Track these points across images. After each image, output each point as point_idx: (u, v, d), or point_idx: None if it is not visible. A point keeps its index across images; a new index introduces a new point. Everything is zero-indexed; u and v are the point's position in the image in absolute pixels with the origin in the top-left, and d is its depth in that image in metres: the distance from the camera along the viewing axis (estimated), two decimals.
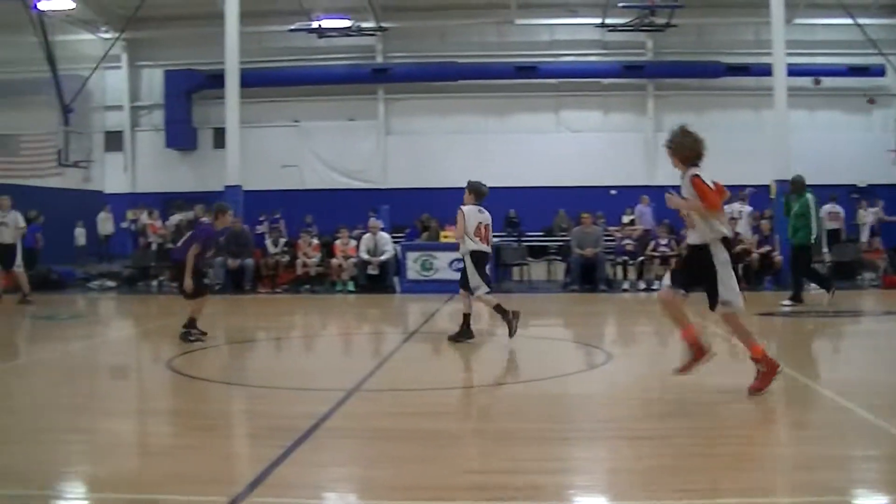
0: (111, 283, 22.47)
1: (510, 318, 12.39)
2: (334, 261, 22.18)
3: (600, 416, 7.87)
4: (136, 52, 36.37)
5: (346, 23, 31.97)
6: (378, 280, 21.73)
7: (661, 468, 6.11)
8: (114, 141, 36.47)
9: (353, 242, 22.24)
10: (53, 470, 6.47)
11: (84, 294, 21.70)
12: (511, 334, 12.31)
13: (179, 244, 13.89)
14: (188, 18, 32.61)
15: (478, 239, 12.61)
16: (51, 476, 6.30)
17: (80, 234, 30.97)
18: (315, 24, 31.65)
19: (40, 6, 28.19)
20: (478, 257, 12.66)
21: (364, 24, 32.24)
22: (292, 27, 32.10)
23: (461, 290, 12.82)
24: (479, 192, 12.93)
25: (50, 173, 32.74)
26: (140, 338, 14.70)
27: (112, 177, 36.10)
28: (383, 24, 32.59)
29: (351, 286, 21.59)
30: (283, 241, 23.09)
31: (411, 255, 21.75)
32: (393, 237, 23.46)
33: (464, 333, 12.64)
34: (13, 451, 6.94)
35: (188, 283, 12.75)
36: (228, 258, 21.24)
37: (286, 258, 22.42)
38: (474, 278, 12.58)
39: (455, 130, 33.84)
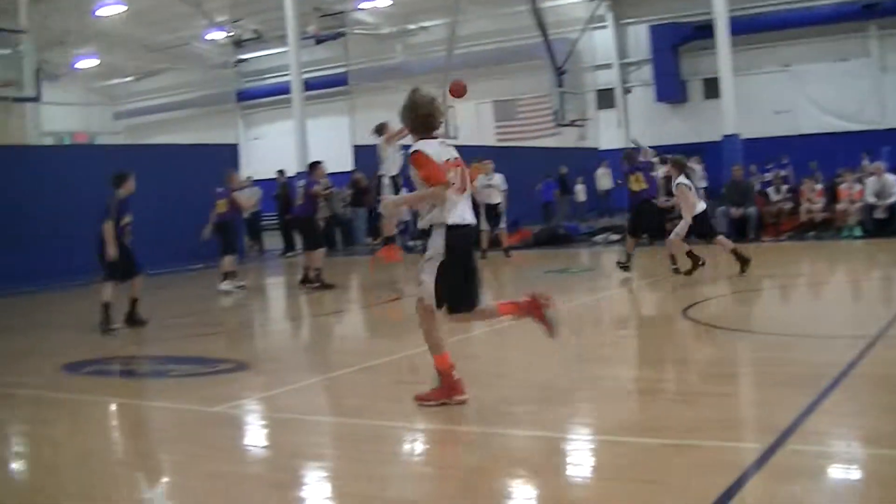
0: (615, 237, 22.98)
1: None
2: (839, 206, 21.33)
3: None
4: (621, 11, 36.95)
5: None
6: (886, 224, 20.62)
7: None
8: (605, 98, 37.39)
9: (858, 186, 21.26)
10: (568, 414, 6.90)
11: (590, 248, 22.44)
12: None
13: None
14: None
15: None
16: (563, 420, 6.72)
17: (580, 191, 32.04)
18: None
19: None
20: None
21: None
22: None
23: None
24: (681, 165, 15.03)
25: (547, 134, 34.18)
26: (649, 288, 15.01)
27: (606, 133, 37.02)
28: None
29: (857, 231, 20.66)
30: (785, 188, 22.51)
31: None
32: None
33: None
34: (527, 397, 7.41)
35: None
36: (731, 207, 21.08)
37: (789, 205, 21.86)
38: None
39: None
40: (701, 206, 14.78)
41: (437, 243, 6.84)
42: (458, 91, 7.90)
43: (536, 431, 6.37)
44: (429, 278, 6.86)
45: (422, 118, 6.98)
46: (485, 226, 20.26)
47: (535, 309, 7.18)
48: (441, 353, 7.03)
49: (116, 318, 12.48)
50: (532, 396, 7.44)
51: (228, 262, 16.88)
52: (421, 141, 6.95)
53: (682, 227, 14.75)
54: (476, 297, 7.09)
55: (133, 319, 12.68)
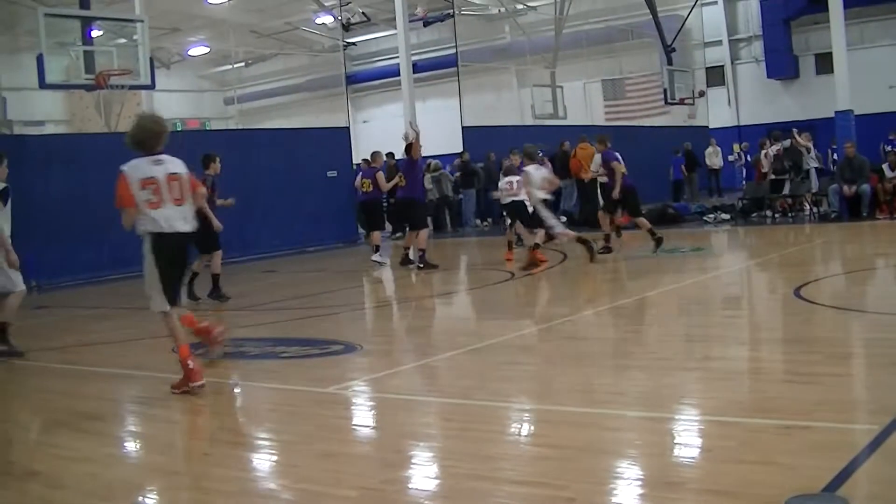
0: (725, 216, 22.65)
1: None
2: None
3: None
4: None
5: None
6: None
7: None
8: (715, 76, 36.86)
9: None
10: (677, 395, 6.83)
11: (700, 227, 22.13)
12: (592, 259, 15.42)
13: None
14: None
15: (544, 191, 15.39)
16: (672, 401, 6.66)
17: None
18: None
19: None
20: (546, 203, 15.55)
21: None
22: None
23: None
24: (531, 156, 16.02)
25: (656, 112, 33.81)
26: (761, 268, 14.81)
27: (716, 111, 36.49)
28: None
29: None
30: None
31: None
32: None
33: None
34: (635, 378, 7.44)
35: None
36: (843, 185, 20.59)
37: None
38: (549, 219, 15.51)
39: None
40: (539, 195, 15.32)
41: (145, 249, 7.76)
42: None
43: (646, 412, 6.35)
44: (147, 284, 7.82)
45: (149, 140, 7.78)
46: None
47: (208, 336, 8.62)
48: (180, 344, 7.87)
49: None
50: (642, 377, 7.44)
51: (377, 236, 18.27)
52: (131, 162, 7.69)
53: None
54: (172, 297, 7.90)
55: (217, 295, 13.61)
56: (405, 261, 16.81)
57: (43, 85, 17.58)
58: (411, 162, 17.29)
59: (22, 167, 18.18)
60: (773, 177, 22.88)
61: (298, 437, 6.45)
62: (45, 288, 17.51)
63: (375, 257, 17.80)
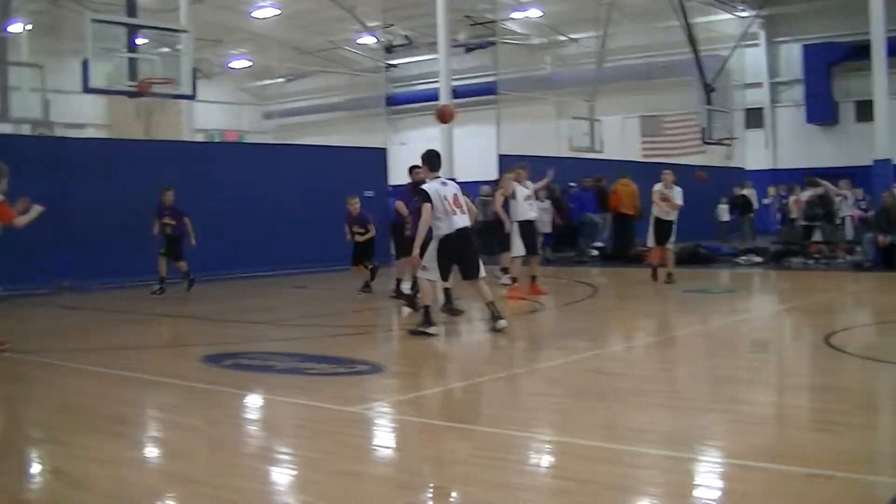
0: (758, 259, 22.53)
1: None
2: None
3: None
4: (774, 29, 36.44)
5: None
6: None
7: None
8: (754, 118, 36.84)
9: None
10: (701, 436, 6.80)
11: (732, 269, 22.02)
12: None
13: None
14: None
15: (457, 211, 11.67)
16: (696, 441, 6.62)
17: (723, 211, 31.58)
18: None
19: None
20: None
21: None
22: None
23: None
24: (432, 165, 12.01)
25: (693, 151, 33.77)
26: (791, 313, 14.73)
27: (753, 153, 36.45)
28: None
29: None
30: None
31: None
32: None
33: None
34: (659, 417, 7.40)
35: None
36: (879, 235, 20.42)
37: None
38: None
39: None
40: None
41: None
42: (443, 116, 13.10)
43: (668, 451, 6.32)
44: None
45: None
46: (651, 242, 18.81)
47: None
48: None
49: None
50: (666, 415, 7.40)
51: (506, 258, 17.21)
52: None
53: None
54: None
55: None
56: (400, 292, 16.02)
57: (87, 89, 17.71)
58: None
59: (61, 169, 18.45)
60: (804, 223, 22.75)
61: (320, 453, 6.46)
62: (77, 289, 17.65)
63: (505, 279, 17.00)
